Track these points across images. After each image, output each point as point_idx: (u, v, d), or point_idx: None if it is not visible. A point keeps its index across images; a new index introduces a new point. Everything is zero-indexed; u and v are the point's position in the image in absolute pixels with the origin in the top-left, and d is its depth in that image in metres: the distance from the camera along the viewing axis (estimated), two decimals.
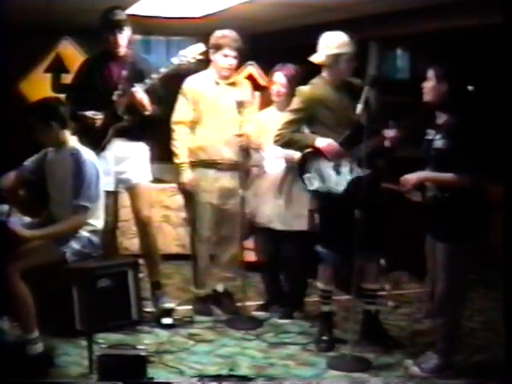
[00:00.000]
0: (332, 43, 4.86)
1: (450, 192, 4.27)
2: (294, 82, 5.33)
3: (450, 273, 4.34)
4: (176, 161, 5.47)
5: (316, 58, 4.94)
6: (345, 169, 4.81)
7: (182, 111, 5.46)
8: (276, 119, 5.33)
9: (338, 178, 4.82)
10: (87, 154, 4.76)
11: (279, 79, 5.46)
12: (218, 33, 5.39)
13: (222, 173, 5.50)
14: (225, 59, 5.36)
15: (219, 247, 5.64)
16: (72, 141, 4.80)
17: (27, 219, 5.11)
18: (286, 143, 5.03)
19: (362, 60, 4.82)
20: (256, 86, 5.78)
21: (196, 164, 5.48)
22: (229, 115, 5.38)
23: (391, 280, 6.28)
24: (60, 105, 4.84)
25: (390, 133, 4.68)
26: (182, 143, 5.46)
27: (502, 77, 3.72)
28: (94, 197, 4.71)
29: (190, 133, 5.48)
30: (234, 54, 5.36)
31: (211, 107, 5.42)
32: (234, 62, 5.40)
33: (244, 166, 5.52)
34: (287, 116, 5.02)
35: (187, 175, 5.46)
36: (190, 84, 5.48)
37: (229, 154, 5.46)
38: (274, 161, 5.43)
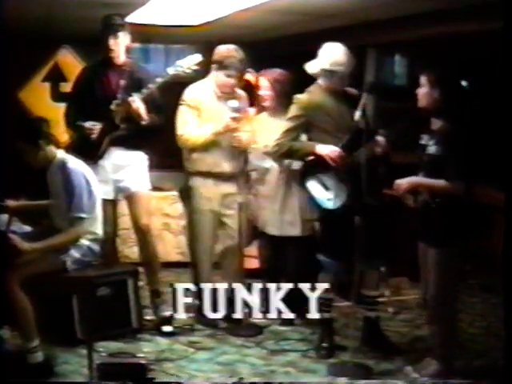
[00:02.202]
0: (328, 59, 4.85)
1: (441, 197, 4.27)
2: (280, 86, 5.40)
3: (442, 278, 4.33)
4: (212, 133, 5.30)
5: (310, 69, 4.94)
6: (330, 183, 4.84)
7: (187, 122, 5.37)
8: (267, 124, 5.41)
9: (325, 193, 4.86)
10: (74, 163, 4.78)
11: (262, 83, 5.51)
12: (223, 50, 5.35)
13: (221, 181, 5.47)
14: (227, 79, 5.33)
15: (224, 258, 5.55)
16: (59, 153, 4.83)
17: (27, 228, 5.14)
18: (286, 153, 5.02)
19: (359, 66, 4.82)
20: (253, 93, 5.77)
21: (195, 173, 5.45)
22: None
23: (391, 286, 6.28)
24: (43, 122, 4.89)
25: (380, 140, 4.70)
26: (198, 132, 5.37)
27: (498, 82, 3.73)
28: (88, 206, 4.73)
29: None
30: (237, 74, 5.35)
31: (211, 120, 5.36)
32: (236, 80, 5.39)
33: (243, 174, 5.54)
34: (285, 124, 5.01)
35: (223, 125, 5.30)
36: (191, 94, 5.43)
37: (228, 167, 5.42)
38: (262, 157, 5.45)
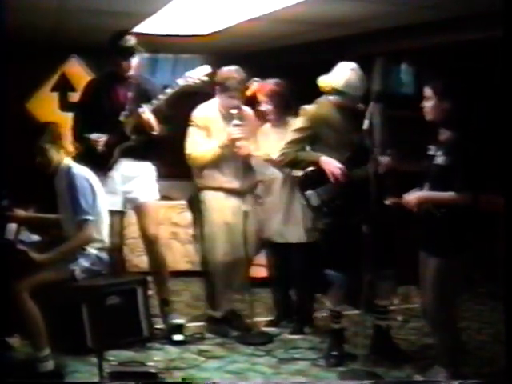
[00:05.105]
0: (341, 80, 4.85)
1: (446, 207, 4.23)
2: (276, 96, 5.44)
3: (441, 288, 4.28)
4: (215, 150, 5.38)
5: (322, 84, 4.94)
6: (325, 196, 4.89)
7: (196, 141, 5.42)
8: (269, 134, 5.50)
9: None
10: (78, 168, 4.83)
11: (260, 98, 5.55)
12: (225, 71, 5.40)
13: (231, 195, 5.48)
14: (230, 100, 5.38)
15: (232, 268, 5.50)
16: (66, 160, 4.88)
17: (35, 237, 5.16)
18: (291, 162, 5.05)
19: (366, 76, 4.83)
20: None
21: (205, 188, 5.49)
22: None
23: (400, 294, 6.27)
24: (58, 126, 4.97)
25: (384, 160, 4.69)
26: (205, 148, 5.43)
27: (504, 92, 3.72)
28: (93, 209, 4.76)
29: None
30: (239, 95, 5.40)
31: (220, 138, 5.38)
32: (238, 101, 5.43)
33: (252, 190, 5.59)
34: (291, 135, 5.04)
35: (227, 135, 5.35)
36: (199, 113, 5.48)
37: (238, 184, 5.45)
38: (264, 166, 5.50)
